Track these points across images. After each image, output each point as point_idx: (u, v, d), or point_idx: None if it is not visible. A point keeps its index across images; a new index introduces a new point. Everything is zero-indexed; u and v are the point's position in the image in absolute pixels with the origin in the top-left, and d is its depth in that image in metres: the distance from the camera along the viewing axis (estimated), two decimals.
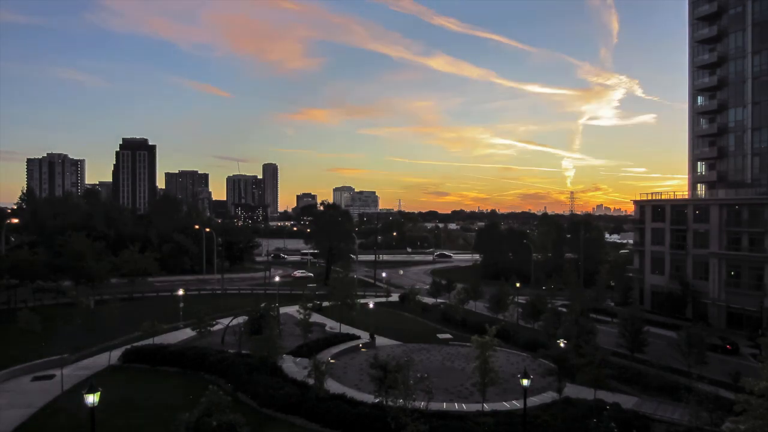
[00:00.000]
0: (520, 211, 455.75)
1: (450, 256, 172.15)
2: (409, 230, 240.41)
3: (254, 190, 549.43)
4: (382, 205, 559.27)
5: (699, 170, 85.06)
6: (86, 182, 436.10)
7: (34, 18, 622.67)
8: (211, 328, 53.90)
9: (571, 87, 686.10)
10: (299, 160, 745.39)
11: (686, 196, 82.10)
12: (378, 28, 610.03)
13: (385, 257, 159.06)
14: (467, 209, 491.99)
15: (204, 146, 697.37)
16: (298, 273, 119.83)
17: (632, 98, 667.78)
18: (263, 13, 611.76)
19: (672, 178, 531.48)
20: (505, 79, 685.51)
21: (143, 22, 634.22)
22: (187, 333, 56.49)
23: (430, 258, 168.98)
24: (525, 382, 29.13)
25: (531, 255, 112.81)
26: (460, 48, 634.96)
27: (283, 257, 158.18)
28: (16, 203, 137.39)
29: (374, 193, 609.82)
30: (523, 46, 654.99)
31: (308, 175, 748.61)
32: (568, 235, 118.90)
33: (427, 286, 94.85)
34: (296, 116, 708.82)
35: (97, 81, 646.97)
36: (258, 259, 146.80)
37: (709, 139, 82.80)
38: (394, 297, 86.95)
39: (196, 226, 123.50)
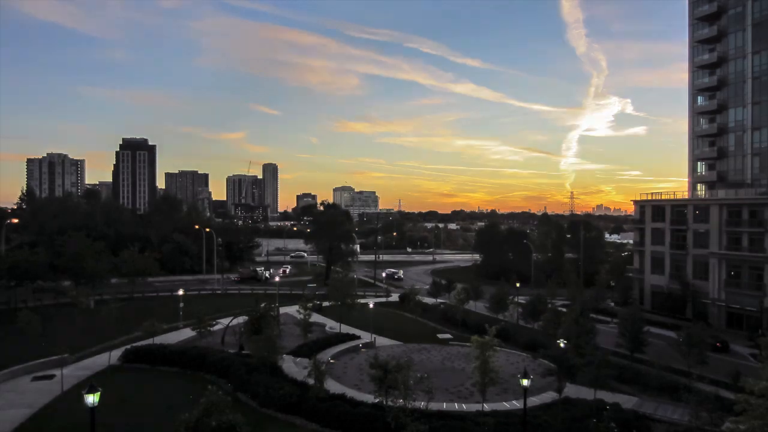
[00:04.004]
0: (520, 211, 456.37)
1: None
2: (409, 230, 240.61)
3: (254, 190, 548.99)
4: (383, 205, 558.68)
5: (699, 170, 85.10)
6: (86, 182, 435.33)
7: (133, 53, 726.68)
8: (211, 328, 53.87)
9: (571, 106, 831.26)
10: (317, 165, 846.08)
11: (686, 196, 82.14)
12: (417, 63, 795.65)
13: (385, 257, 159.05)
14: (468, 209, 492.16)
15: (227, 151, 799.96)
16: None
17: (623, 115, 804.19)
18: (334, 56, 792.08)
19: (666, 181, 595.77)
20: (515, 100, 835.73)
21: (238, 61, 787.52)
22: (187, 333, 56.48)
23: (429, 258, 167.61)
24: (525, 382, 29.11)
25: (531, 255, 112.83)
26: (481, 78, 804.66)
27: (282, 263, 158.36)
28: (16, 203, 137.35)
29: (374, 193, 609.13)
30: (531, 76, 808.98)
31: (318, 177, 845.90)
32: (568, 235, 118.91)
33: (427, 286, 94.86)
34: (329, 129, 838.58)
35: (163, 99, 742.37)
36: (258, 259, 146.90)
37: (709, 139, 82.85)
38: (394, 297, 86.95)
39: (196, 226, 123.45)
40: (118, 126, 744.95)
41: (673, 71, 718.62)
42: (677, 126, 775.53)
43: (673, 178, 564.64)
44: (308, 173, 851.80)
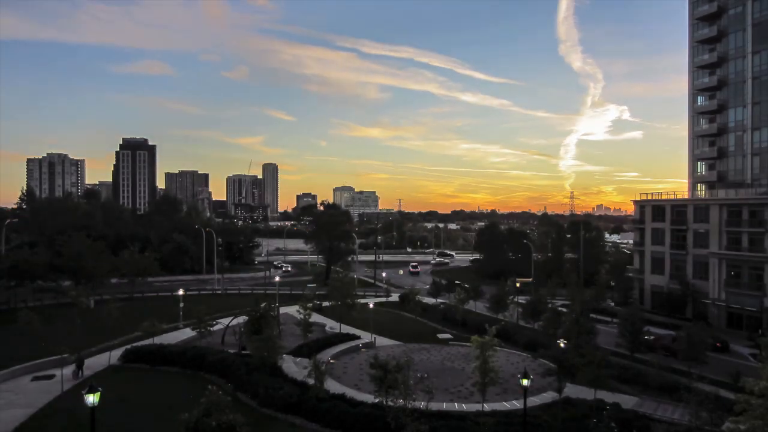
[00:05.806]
0: (520, 211, 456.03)
1: (452, 255, 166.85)
2: (409, 230, 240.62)
3: (254, 190, 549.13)
4: (383, 206, 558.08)
5: (699, 170, 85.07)
6: (86, 182, 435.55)
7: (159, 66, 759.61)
8: (211, 328, 53.86)
9: (571, 113, 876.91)
10: (325, 167, 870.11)
11: (686, 196, 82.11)
12: (429, 75, 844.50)
13: (385, 257, 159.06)
14: (469, 209, 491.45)
15: (234, 153, 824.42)
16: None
17: (620, 120, 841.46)
18: (356, 68, 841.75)
19: (663, 182, 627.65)
20: (519, 107, 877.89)
21: (263, 74, 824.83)
22: (187, 333, 56.48)
23: (430, 258, 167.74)
24: (525, 382, 29.13)
25: (531, 255, 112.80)
26: (487, 88, 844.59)
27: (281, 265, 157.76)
28: (16, 203, 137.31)
29: (374, 193, 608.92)
30: (533, 86, 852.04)
31: (321, 178, 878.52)
32: (568, 235, 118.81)
33: (427, 286, 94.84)
34: (341, 133, 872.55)
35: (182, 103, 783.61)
36: (258, 259, 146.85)
37: (709, 139, 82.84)
38: (394, 297, 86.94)
39: (196, 226, 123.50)
40: (123, 127, 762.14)
41: (664, 81, 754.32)
42: (672, 130, 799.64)
43: (669, 179, 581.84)
44: (312, 175, 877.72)
